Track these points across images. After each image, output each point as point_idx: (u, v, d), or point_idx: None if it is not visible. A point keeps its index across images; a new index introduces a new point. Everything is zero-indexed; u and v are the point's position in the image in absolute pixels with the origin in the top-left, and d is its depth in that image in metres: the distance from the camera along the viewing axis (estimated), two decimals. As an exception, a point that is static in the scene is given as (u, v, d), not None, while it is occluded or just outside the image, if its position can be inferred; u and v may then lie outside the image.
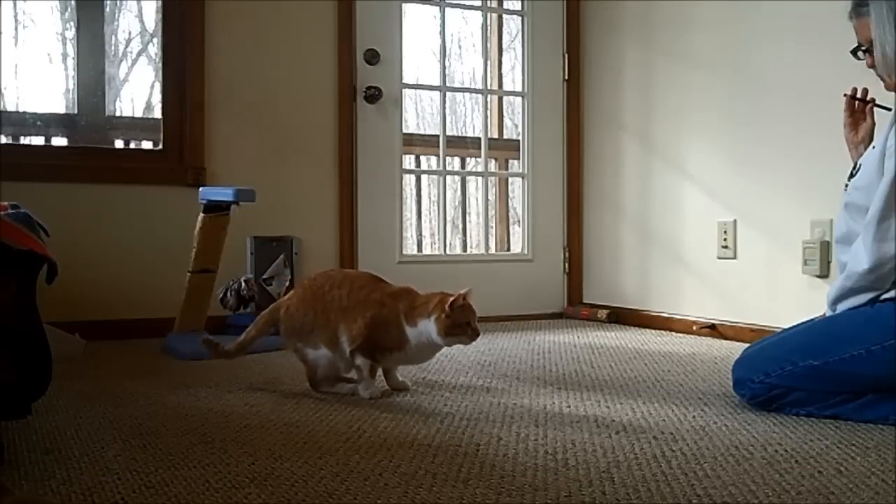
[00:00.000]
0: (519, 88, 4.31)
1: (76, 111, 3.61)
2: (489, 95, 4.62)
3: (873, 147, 2.02)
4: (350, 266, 3.78)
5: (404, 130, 4.01)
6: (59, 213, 3.21)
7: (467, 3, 4.30)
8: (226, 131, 3.58)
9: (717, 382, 2.42)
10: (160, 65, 3.64)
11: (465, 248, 5.64)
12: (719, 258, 3.46)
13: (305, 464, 1.60)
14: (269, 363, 2.79)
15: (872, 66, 2.02)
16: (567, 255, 4.26)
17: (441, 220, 4.21)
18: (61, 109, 3.75)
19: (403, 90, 3.99)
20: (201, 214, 3.00)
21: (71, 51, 3.73)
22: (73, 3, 3.67)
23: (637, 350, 3.11)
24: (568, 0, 4.24)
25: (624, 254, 4.00)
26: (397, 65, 3.92)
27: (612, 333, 3.60)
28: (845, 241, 2.07)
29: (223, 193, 3.01)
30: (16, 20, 3.89)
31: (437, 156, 4.18)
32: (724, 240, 3.44)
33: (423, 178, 5.47)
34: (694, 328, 3.51)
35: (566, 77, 4.23)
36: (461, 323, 2.14)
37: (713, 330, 3.44)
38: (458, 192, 5.53)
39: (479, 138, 4.23)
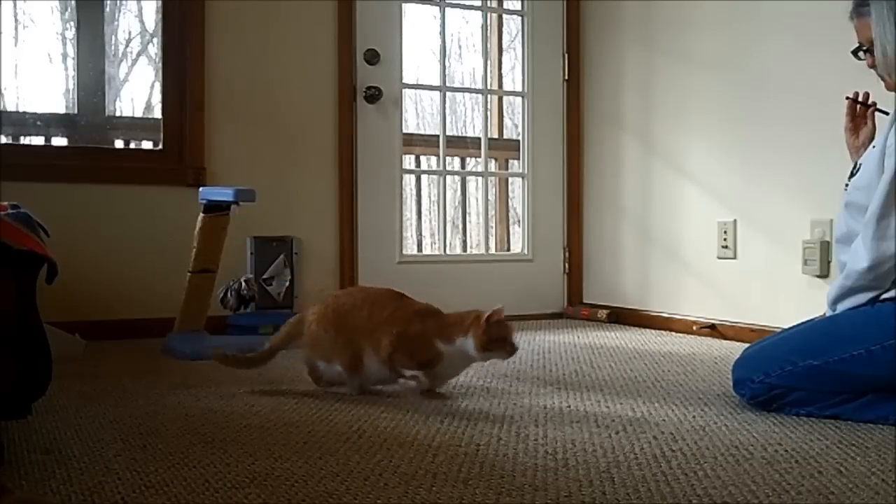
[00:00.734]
0: (519, 88, 4.31)
1: (76, 111, 3.61)
2: (489, 95, 4.62)
3: (873, 146, 2.02)
4: (350, 266, 3.78)
5: (404, 130, 4.01)
6: (59, 213, 3.20)
7: (467, 3, 4.30)
8: (226, 131, 3.58)
9: (717, 382, 2.42)
10: (160, 65, 3.64)
11: (465, 248, 5.64)
12: (719, 258, 3.46)
13: (305, 464, 1.60)
14: (269, 363, 2.79)
15: (873, 66, 2.02)
16: (567, 255, 4.26)
17: (441, 220, 4.21)
18: (61, 109, 3.75)
19: (403, 90, 3.99)
20: (201, 214, 3.00)
21: (71, 51, 3.73)
22: (73, 3, 3.67)
23: (637, 350, 3.11)
24: (568, 0, 4.24)
25: (624, 254, 4.00)
26: (397, 65, 3.91)
27: (612, 333, 3.59)
28: (845, 241, 2.07)
29: (223, 193, 3.00)
30: (16, 20, 3.89)
31: (437, 156, 4.18)
32: (724, 240, 3.44)
33: (423, 178, 5.47)
34: (694, 328, 3.51)
35: (566, 77, 4.23)
36: (498, 338, 2.15)
37: (713, 330, 3.44)
38: (458, 192, 5.53)
39: (479, 138, 4.23)
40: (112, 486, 1.46)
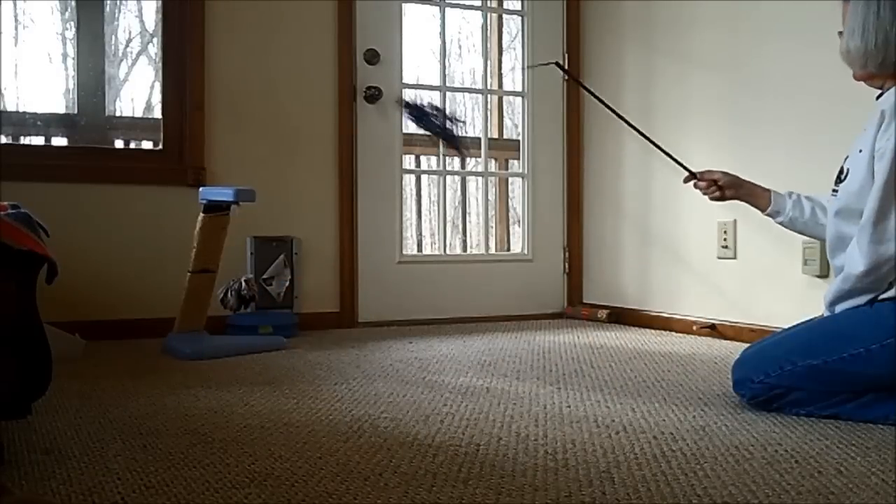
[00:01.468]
0: (519, 88, 4.31)
1: (76, 111, 3.61)
2: (489, 95, 4.62)
3: (860, 151, 2.02)
4: (350, 266, 3.78)
5: (404, 130, 4.01)
6: (59, 213, 3.21)
7: (467, 3, 4.30)
8: (226, 131, 3.58)
9: (717, 382, 2.42)
10: (160, 65, 3.64)
11: (465, 248, 5.64)
12: (719, 258, 3.46)
13: (305, 464, 1.60)
14: (269, 363, 2.79)
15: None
16: (567, 255, 4.26)
17: (441, 220, 4.21)
18: (61, 109, 3.75)
19: (403, 90, 3.99)
20: (201, 214, 3.00)
21: (71, 51, 3.73)
22: (73, 3, 3.66)
23: (637, 350, 3.11)
24: (568, 0, 4.24)
25: (624, 254, 4.00)
26: (397, 65, 3.91)
27: (612, 333, 3.60)
28: (838, 246, 2.07)
29: (223, 193, 3.01)
30: (16, 20, 3.89)
31: (437, 156, 4.18)
32: (724, 240, 3.44)
33: (423, 178, 5.47)
34: (694, 328, 3.51)
35: (566, 77, 4.23)
36: None
37: (713, 330, 3.44)
38: (458, 192, 5.53)
39: (479, 138, 4.23)
40: (112, 486, 1.46)
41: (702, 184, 2.41)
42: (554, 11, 4.24)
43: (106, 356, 2.92)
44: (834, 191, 2.11)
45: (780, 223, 2.35)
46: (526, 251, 4.24)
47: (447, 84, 4.24)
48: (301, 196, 3.71)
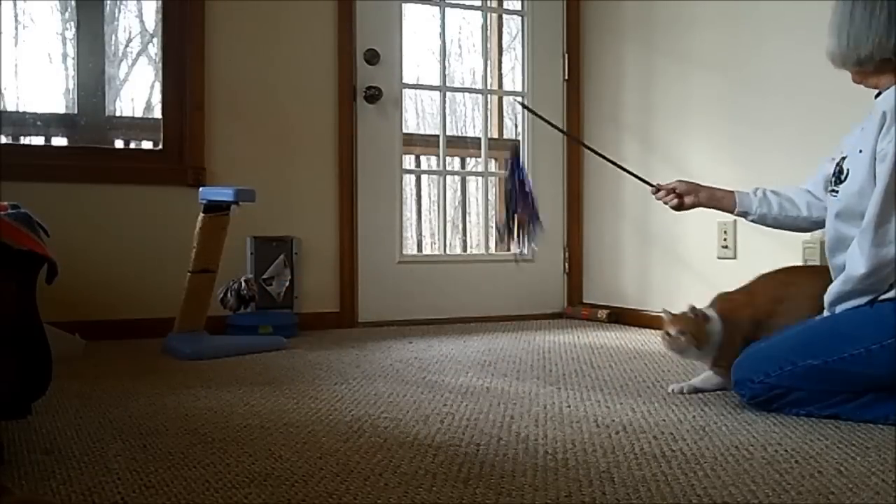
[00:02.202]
0: (519, 88, 4.31)
1: (76, 111, 3.61)
2: (489, 95, 4.62)
3: (860, 151, 2.02)
4: (350, 266, 3.78)
5: (404, 130, 4.01)
6: (59, 213, 3.21)
7: (467, 3, 4.30)
8: (226, 131, 3.58)
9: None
10: (160, 65, 3.64)
11: (465, 248, 5.64)
12: (719, 258, 3.46)
13: (305, 464, 1.60)
14: (269, 363, 2.80)
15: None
16: (567, 255, 4.26)
17: (441, 220, 4.21)
18: (61, 109, 3.75)
19: (403, 90, 3.99)
20: (201, 214, 3.00)
21: (71, 51, 3.73)
22: (73, 3, 3.66)
23: (637, 350, 3.11)
24: (568, 0, 4.24)
25: (624, 254, 4.00)
26: (397, 65, 3.91)
27: (612, 333, 3.59)
28: (838, 247, 2.07)
29: (223, 193, 3.01)
30: (16, 20, 3.89)
31: (437, 156, 4.18)
32: (724, 240, 3.44)
33: (423, 178, 5.47)
34: (694, 328, 3.51)
35: (566, 77, 4.24)
36: None
37: (713, 330, 3.43)
38: (458, 192, 5.53)
39: (479, 138, 4.23)
40: (112, 486, 1.46)
41: (660, 193, 2.41)
42: (554, 11, 4.24)
43: (106, 356, 2.92)
44: (833, 191, 2.11)
45: (752, 221, 2.36)
46: (526, 251, 4.23)
47: (447, 84, 4.24)
48: (301, 196, 3.71)
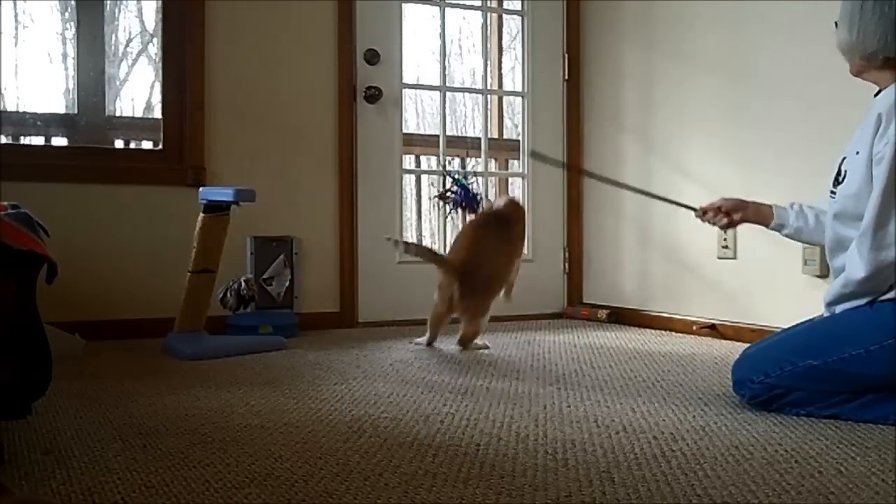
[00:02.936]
0: (519, 88, 4.31)
1: (76, 111, 3.61)
2: (489, 95, 4.62)
3: (857, 153, 2.01)
4: (350, 266, 3.78)
5: (404, 130, 4.01)
6: (59, 213, 3.21)
7: (467, 3, 4.30)
8: (226, 131, 3.58)
9: (717, 382, 2.42)
10: (160, 65, 3.64)
11: (465, 248, 5.62)
12: (719, 258, 3.46)
13: (305, 464, 1.60)
14: (269, 363, 2.80)
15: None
16: (567, 255, 4.26)
17: (441, 220, 4.20)
18: (61, 109, 3.75)
19: (403, 90, 3.99)
20: (201, 214, 3.00)
21: (71, 51, 3.73)
22: (73, 3, 3.66)
23: (637, 350, 3.11)
24: (568, 0, 4.24)
25: (624, 254, 4.00)
26: (397, 65, 3.91)
27: (612, 333, 3.60)
28: (837, 248, 2.07)
29: (223, 193, 3.01)
30: (16, 20, 3.89)
31: (437, 156, 4.18)
32: (724, 240, 3.44)
33: (423, 178, 5.47)
34: (694, 328, 3.51)
35: (566, 77, 4.23)
36: None
37: (713, 330, 3.44)
38: (459, 192, 5.52)
39: (479, 138, 4.23)
40: (112, 486, 1.46)
41: (708, 215, 2.39)
42: (554, 11, 4.23)
43: (106, 356, 2.92)
44: (832, 193, 2.11)
45: (787, 235, 2.33)
46: (526, 251, 4.23)
47: (447, 84, 4.24)
48: (301, 196, 3.71)
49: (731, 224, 2.39)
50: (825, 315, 2.08)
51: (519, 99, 4.33)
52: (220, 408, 2.11)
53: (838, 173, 2.10)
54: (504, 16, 4.95)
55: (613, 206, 4.04)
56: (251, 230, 3.49)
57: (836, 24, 2.11)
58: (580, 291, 4.24)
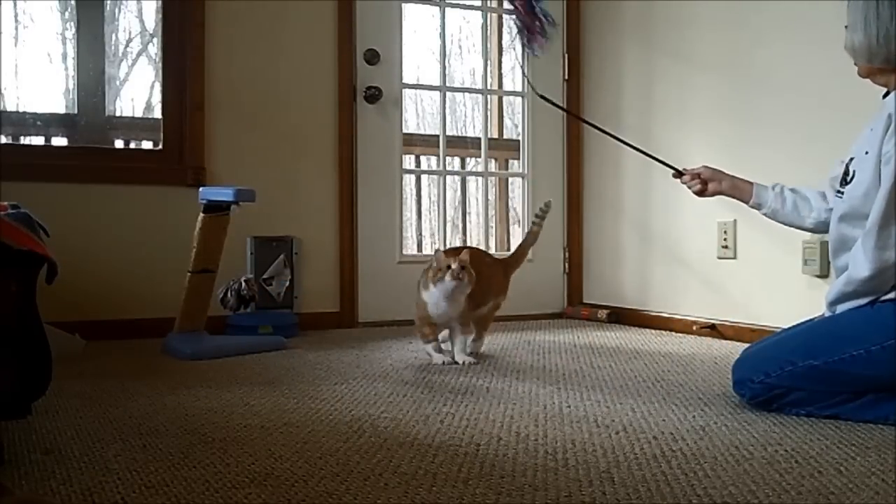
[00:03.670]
0: (519, 88, 4.31)
1: (76, 111, 3.61)
2: (489, 95, 4.62)
3: (866, 153, 2.01)
4: (350, 266, 3.79)
5: (404, 130, 4.01)
6: (59, 213, 3.21)
7: (467, 3, 4.30)
8: (226, 131, 3.58)
9: (717, 382, 2.42)
10: (160, 65, 3.64)
11: (465, 248, 5.62)
12: (719, 258, 3.46)
13: (305, 464, 1.60)
14: (269, 363, 2.80)
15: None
16: (567, 255, 4.26)
17: (441, 220, 4.20)
18: (61, 109, 3.75)
19: (403, 90, 3.99)
20: (201, 214, 3.00)
21: (71, 51, 3.73)
22: (73, 3, 3.66)
23: (637, 350, 3.11)
24: (568, 0, 4.24)
25: (624, 254, 4.00)
26: (397, 65, 3.91)
27: (612, 333, 3.60)
28: (841, 249, 2.07)
29: (223, 193, 3.01)
30: (16, 20, 3.89)
31: (437, 156, 4.18)
32: (724, 240, 3.44)
33: (423, 178, 5.47)
34: (694, 328, 3.51)
35: (566, 77, 4.23)
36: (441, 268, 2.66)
37: (713, 330, 3.44)
38: (458, 192, 5.52)
39: (479, 138, 4.23)
40: (112, 486, 1.46)
41: (685, 178, 2.41)
42: (554, 11, 4.23)
43: (106, 356, 2.92)
44: (839, 192, 2.10)
45: (764, 214, 2.36)
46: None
47: (447, 84, 4.24)
48: (301, 196, 3.71)
49: (705, 193, 2.40)
50: (826, 314, 2.08)
51: (519, 99, 4.33)
52: (220, 408, 2.11)
53: (846, 173, 2.09)
54: (504, 16, 4.94)
55: (613, 206, 4.05)
56: (251, 230, 3.49)
57: (846, 27, 2.09)
58: (580, 291, 4.24)
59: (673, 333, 3.57)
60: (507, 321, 3.97)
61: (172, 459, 1.64)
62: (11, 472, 1.54)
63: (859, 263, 1.95)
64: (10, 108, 3.70)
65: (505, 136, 5.14)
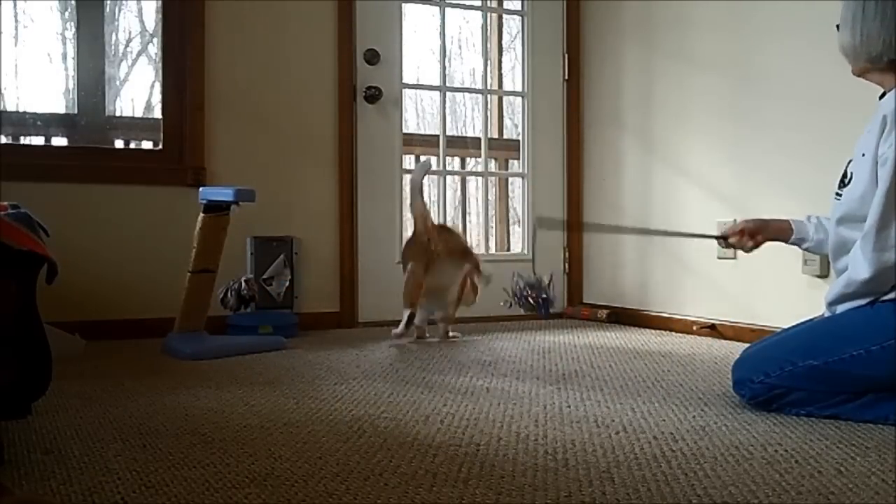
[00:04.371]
0: (519, 88, 4.31)
1: (76, 111, 3.61)
2: (489, 95, 4.62)
3: (862, 155, 2.01)
4: (350, 266, 3.78)
5: (404, 130, 4.01)
6: (59, 213, 3.21)
7: (467, 3, 4.30)
8: (226, 131, 3.58)
9: (717, 382, 2.42)
10: (160, 65, 3.64)
11: (464, 248, 5.62)
12: (719, 258, 3.46)
13: (305, 464, 1.60)
14: (269, 363, 2.80)
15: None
16: (567, 255, 4.26)
17: (441, 220, 4.20)
18: (61, 109, 3.75)
19: (403, 90, 3.99)
20: (201, 214, 3.00)
21: (71, 51, 3.73)
22: (73, 3, 3.66)
23: (637, 350, 3.11)
24: (568, 0, 4.24)
25: (624, 254, 4.00)
26: (397, 65, 3.91)
27: (612, 333, 3.60)
28: (840, 251, 2.07)
29: (223, 193, 3.01)
30: (16, 20, 3.89)
31: (437, 156, 4.18)
32: (724, 240, 3.43)
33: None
34: (694, 328, 3.51)
35: (566, 77, 4.23)
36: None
37: (713, 330, 3.44)
38: (458, 192, 5.53)
39: (479, 138, 4.23)
40: (112, 486, 1.47)
41: (732, 240, 2.37)
42: (554, 11, 4.23)
43: (106, 356, 2.92)
44: (837, 195, 2.11)
45: (807, 248, 2.32)
46: (526, 251, 4.23)
47: (447, 84, 4.24)
48: (301, 196, 3.71)
49: (757, 245, 2.36)
50: (826, 315, 2.08)
51: (519, 99, 4.34)
52: (220, 408, 2.11)
53: (844, 175, 2.09)
54: (504, 16, 4.95)
55: (613, 206, 4.04)
56: (251, 230, 3.49)
57: (837, 26, 2.10)
58: (580, 291, 4.24)
59: (673, 333, 3.57)
60: (507, 321, 3.97)
61: (172, 459, 1.64)
62: (11, 472, 1.54)
63: (859, 265, 1.95)
64: (10, 108, 3.70)
65: (505, 136, 5.14)
